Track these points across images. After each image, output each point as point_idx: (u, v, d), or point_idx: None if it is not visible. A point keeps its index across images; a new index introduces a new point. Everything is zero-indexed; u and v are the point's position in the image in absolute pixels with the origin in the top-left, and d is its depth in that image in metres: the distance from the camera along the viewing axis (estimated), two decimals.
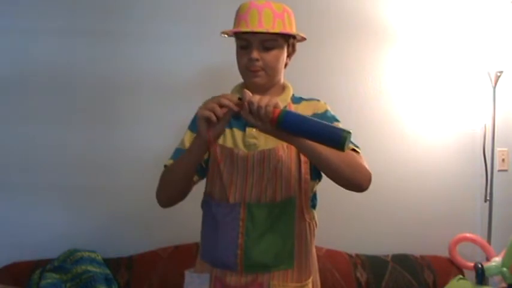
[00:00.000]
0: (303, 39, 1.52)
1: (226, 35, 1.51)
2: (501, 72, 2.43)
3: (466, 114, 2.52)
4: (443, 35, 2.49)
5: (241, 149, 1.43)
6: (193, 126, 1.49)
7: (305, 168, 1.44)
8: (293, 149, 1.41)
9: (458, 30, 2.48)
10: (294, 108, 1.49)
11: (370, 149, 2.40)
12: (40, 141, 2.13)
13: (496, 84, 2.44)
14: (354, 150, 1.43)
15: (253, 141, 1.43)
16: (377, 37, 2.44)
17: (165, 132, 2.23)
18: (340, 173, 1.34)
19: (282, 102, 1.46)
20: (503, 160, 2.60)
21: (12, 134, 2.11)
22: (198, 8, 2.24)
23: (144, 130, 2.21)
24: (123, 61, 2.20)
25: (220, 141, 1.44)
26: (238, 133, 1.45)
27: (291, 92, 1.52)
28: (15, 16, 2.11)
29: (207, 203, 1.49)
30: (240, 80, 1.53)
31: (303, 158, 1.43)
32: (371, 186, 2.42)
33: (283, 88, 1.52)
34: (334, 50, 2.40)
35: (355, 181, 1.39)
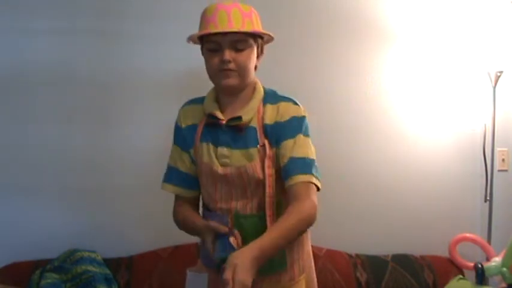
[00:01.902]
0: (270, 39, 1.50)
1: (192, 42, 1.50)
2: (501, 72, 2.42)
3: (466, 114, 2.52)
4: (443, 35, 2.49)
5: (218, 165, 1.43)
6: (177, 140, 1.56)
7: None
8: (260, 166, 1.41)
9: (458, 30, 2.48)
10: (262, 114, 1.43)
11: (370, 149, 2.43)
12: (40, 141, 2.13)
13: (496, 84, 2.44)
14: (311, 181, 1.40)
15: (225, 160, 1.43)
16: (376, 37, 2.43)
17: (166, 132, 2.21)
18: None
19: (248, 112, 1.42)
20: (503, 160, 2.60)
21: (12, 134, 2.11)
22: (194, 8, 2.23)
23: (145, 130, 2.21)
24: (121, 61, 2.20)
25: (199, 155, 1.47)
26: (213, 149, 1.45)
27: (260, 94, 1.47)
28: (15, 16, 2.11)
29: (204, 209, 1.54)
30: None
31: (268, 171, 1.41)
32: (371, 186, 2.44)
33: (254, 90, 1.47)
34: (334, 51, 2.39)
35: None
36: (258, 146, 1.41)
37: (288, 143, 1.40)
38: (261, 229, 1.39)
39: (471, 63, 2.47)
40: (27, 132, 2.12)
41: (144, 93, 2.21)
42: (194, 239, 2.13)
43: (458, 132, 2.53)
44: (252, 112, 1.43)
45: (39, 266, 1.97)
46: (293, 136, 1.41)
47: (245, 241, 1.39)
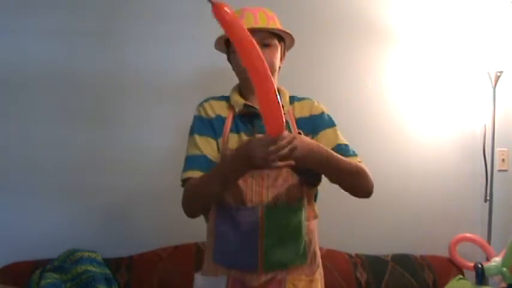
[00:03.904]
0: (291, 44, 1.57)
1: (218, 48, 1.56)
2: (501, 72, 2.43)
3: (466, 114, 2.52)
4: (444, 35, 2.49)
5: None
6: (204, 130, 1.49)
7: None
8: None
9: (458, 30, 2.49)
10: (292, 110, 1.52)
11: (370, 149, 2.41)
12: (40, 141, 2.13)
13: (496, 84, 2.44)
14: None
15: None
16: (378, 38, 2.44)
17: (166, 133, 2.23)
18: (351, 188, 1.51)
19: (285, 105, 1.49)
20: (503, 160, 2.60)
21: (12, 134, 2.11)
22: (197, 9, 2.23)
23: (145, 130, 2.21)
24: (123, 61, 2.20)
25: (229, 145, 1.46)
26: (246, 138, 1.46)
27: (287, 95, 1.56)
28: (14, 16, 2.11)
29: (221, 207, 1.47)
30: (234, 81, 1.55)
31: None
32: None
33: (278, 91, 1.52)
34: (336, 51, 2.40)
35: (361, 193, 1.55)
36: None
37: (330, 132, 1.52)
38: (291, 221, 1.43)
39: (471, 63, 2.47)
40: (27, 132, 2.12)
41: (145, 93, 2.21)
42: (194, 239, 2.14)
43: (458, 132, 2.53)
44: (286, 106, 1.50)
45: (39, 266, 1.97)
46: (332, 126, 1.54)
47: (276, 232, 1.42)
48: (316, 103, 1.57)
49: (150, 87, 2.21)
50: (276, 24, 1.50)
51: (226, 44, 1.54)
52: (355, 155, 1.53)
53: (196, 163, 1.45)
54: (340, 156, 1.42)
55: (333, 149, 1.45)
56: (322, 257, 2.19)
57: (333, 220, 2.27)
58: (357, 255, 2.32)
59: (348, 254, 2.31)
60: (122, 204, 2.19)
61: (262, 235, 1.41)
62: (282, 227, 1.43)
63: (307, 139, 1.35)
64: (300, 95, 1.58)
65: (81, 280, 1.90)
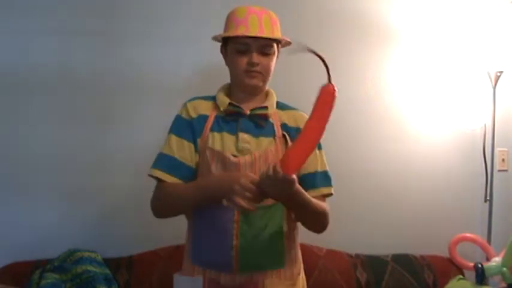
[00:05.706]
0: (287, 44, 1.57)
1: (214, 39, 1.55)
2: (501, 72, 2.43)
3: (466, 114, 2.52)
4: (444, 35, 2.49)
5: (233, 153, 1.44)
6: (180, 131, 1.51)
7: None
8: (280, 154, 1.44)
9: (458, 30, 2.49)
10: (278, 115, 1.52)
11: (370, 149, 2.44)
12: (40, 141, 2.13)
13: (496, 84, 2.44)
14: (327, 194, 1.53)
15: (246, 145, 1.45)
16: (378, 37, 2.44)
17: (166, 132, 2.22)
18: (308, 226, 1.51)
19: (271, 106, 1.51)
20: (503, 160, 2.60)
21: (12, 134, 2.11)
22: (194, 9, 2.24)
23: (145, 130, 2.21)
24: (123, 61, 2.20)
25: (210, 144, 1.46)
26: (229, 137, 1.47)
27: (275, 98, 1.55)
28: (14, 16, 2.11)
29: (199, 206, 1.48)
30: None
31: None
32: (371, 186, 2.44)
33: (267, 94, 1.55)
34: (336, 50, 2.39)
35: (316, 231, 1.53)
36: (276, 137, 1.47)
37: (314, 154, 1.47)
38: (268, 223, 1.43)
39: (471, 63, 2.47)
40: (27, 132, 2.12)
41: (144, 93, 2.21)
42: None
43: (459, 132, 2.53)
44: (272, 108, 1.51)
45: (39, 266, 1.97)
46: (318, 148, 1.50)
47: (253, 234, 1.42)
48: (305, 116, 1.52)
49: (150, 87, 2.21)
50: (279, 30, 1.49)
51: (223, 39, 1.53)
52: (329, 185, 1.53)
53: (166, 165, 1.48)
54: (312, 200, 1.42)
55: (309, 173, 1.48)
56: (322, 257, 2.22)
57: (333, 220, 2.27)
58: (357, 255, 2.32)
59: (348, 254, 2.31)
60: (122, 204, 2.19)
61: (237, 235, 1.41)
62: (259, 228, 1.43)
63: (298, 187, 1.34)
64: (290, 104, 1.58)
65: (81, 280, 1.90)
